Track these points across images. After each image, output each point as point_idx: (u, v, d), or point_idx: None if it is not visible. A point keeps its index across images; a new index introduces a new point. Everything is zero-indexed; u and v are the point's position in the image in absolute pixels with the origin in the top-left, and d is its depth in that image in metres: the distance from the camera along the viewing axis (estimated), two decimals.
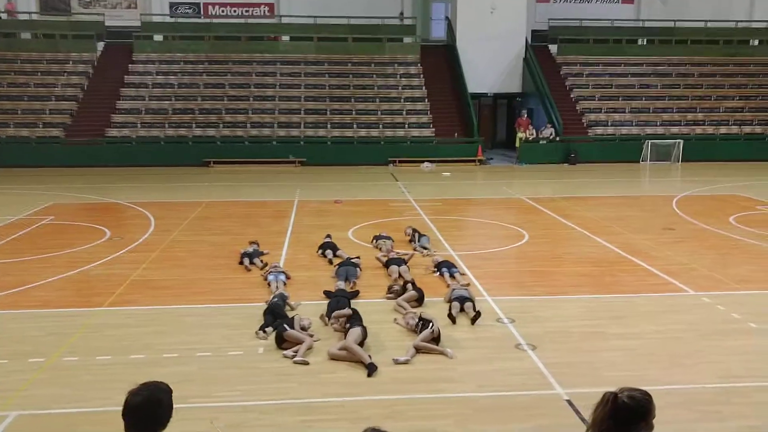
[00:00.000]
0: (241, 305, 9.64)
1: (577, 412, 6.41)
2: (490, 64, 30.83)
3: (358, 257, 11.70)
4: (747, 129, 29.36)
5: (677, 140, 27.59)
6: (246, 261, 11.70)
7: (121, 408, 2.96)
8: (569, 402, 6.65)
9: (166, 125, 27.72)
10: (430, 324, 8.09)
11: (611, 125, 29.16)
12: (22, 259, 12.22)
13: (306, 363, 7.56)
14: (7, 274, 11.19)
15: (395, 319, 8.95)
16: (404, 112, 29.13)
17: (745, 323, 8.87)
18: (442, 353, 7.81)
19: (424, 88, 30.41)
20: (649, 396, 2.98)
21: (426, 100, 29.83)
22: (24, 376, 7.21)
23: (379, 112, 29.07)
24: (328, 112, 28.89)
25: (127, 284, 10.62)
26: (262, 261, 11.78)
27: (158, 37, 31.59)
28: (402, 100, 29.77)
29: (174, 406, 3.04)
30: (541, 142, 28.02)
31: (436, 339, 8.00)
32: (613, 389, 3.00)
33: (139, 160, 26.05)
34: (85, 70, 29.99)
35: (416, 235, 13.29)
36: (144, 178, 23.31)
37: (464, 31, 30.93)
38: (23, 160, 25.48)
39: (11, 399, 6.69)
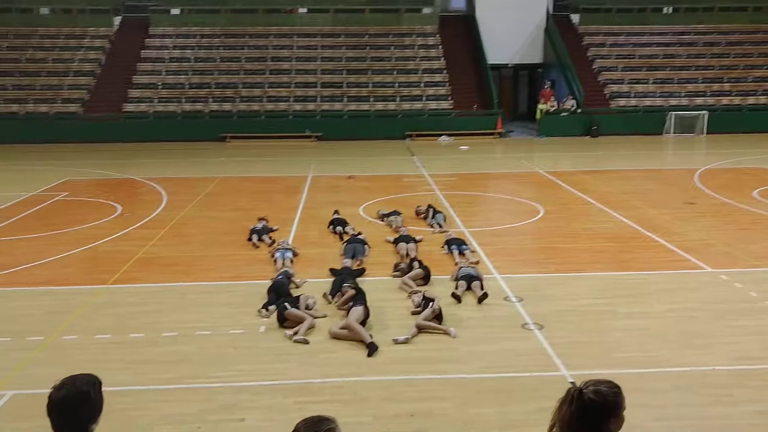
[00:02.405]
0: (246, 283, 9.53)
1: None
2: (511, 35, 30.16)
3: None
4: None
5: (702, 112, 26.82)
6: (254, 238, 11.60)
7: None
8: (573, 384, 6.42)
9: (183, 100, 27.64)
10: (431, 302, 7.90)
11: (634, 97, 28.42)
12: (31, 236, 12.21)
13: (306, 342, 7.44)
14: (13, 252, 11.19)
15: (409, 295, 8.70)
16: (422, 85, 28.65)
17: (763, 302, 8.54)
18: (444, 332, 7.62)
19: (442, 59, 29.86)
20: (618, 388, 2.73)
21: (444, 71, 29.29)
22: (22, 355, 7.17)
23: (396, 85, 28.64)
24: (344, 86, 28.54)
25: (133, 261, 10.56)
26: (270, 238, 11.64)
27: (175, 11, 31.41)
28: (420, 72, 29.28)
29: (104, 398, 2.80)
30: (562, 114, 27.44)
31: (437, 317, 7.81)
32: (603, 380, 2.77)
33: (155, 135, 26.01)
34: (103, 44, 29.94)
35: (431, 211, 13.03)
36: (160, 154, 23.30)
37: (484, 1, 30.25)
38: (41, 136, 25.56)
39: (8, 378, 6.65)
